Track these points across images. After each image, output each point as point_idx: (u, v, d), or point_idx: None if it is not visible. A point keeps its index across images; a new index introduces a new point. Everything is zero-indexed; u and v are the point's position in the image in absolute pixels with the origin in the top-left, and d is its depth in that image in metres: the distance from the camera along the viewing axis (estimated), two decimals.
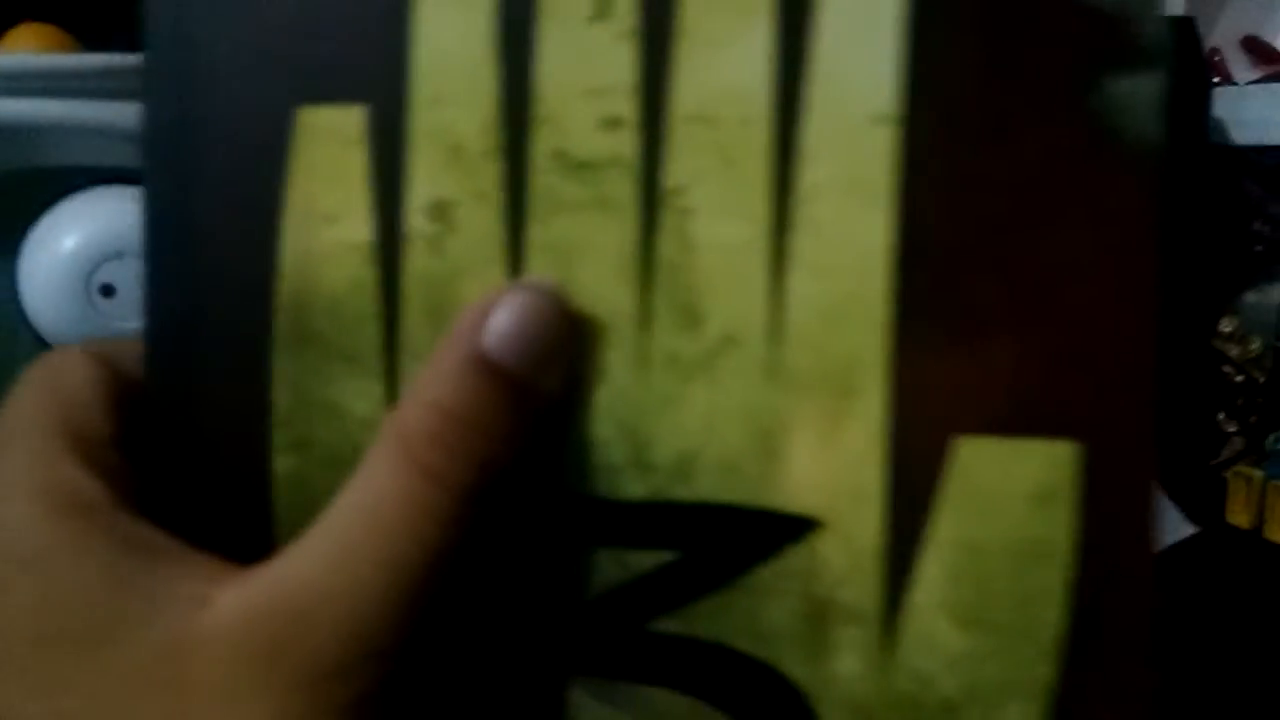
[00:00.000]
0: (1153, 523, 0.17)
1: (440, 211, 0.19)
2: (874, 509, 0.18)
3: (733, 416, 0.18)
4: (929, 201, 0.18)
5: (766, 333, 0.18)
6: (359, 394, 0.18)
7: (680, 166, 0.18)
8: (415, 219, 0.18)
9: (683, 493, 0.18)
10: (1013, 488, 0.18)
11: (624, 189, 0.18)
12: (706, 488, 0.18)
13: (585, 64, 0.19)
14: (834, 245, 0.18)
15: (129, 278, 0.34)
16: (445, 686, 0.18)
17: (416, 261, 0.18)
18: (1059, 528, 0.18)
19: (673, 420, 0.19)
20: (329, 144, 0.18)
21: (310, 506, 0.18)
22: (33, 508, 0.16)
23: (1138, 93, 0.17)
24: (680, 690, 0.19)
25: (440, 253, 0.19)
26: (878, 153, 0.18)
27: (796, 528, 0.18)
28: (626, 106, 0.18)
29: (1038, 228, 0.18)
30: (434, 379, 0.17)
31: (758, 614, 0.18)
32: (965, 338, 0.18)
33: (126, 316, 0.34)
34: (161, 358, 0.18)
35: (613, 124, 0.18)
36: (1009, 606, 0.18)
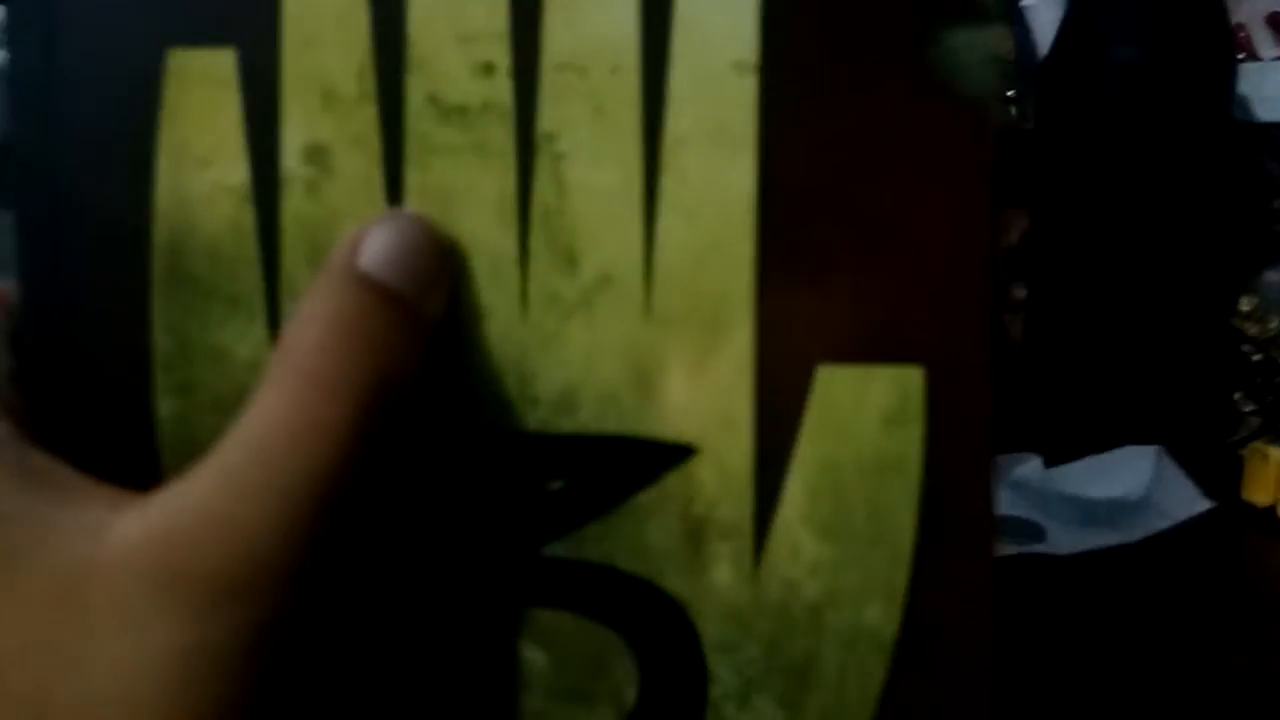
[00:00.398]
0: (991, 439, 0.19)
1: (316, 155, 0.19)
2: (744, 434, 0.19)
3: (611, 352, 0.19)
4: (787, 147, 0.19)
5: (640, 272, 0.19)
6: (241, 336, 0.18)
7: (553, 113, 0.19)
8: (291, 161, 0.19)
9: (567, 424, 0.19)
10: (867, 410, 0.20)
11: (499, 134, 0.19)
12: (589, 419, 0.19)
13: (457, 10, 0.19)
14: (701, 189, 0.19)
15: None
16: (343, 612, 0.18)
17: (294, 204, 0.19)
18: (909, 446, 0.20)
19: (555, 356, 0.19)
20: (200, 87, 0.18)
21: (196, 449, 0.18)
22: None
23: (973, 46, 0.19)
24: (571, 610, 0.20)
25: (318, 196, 0.19)
26: (741, 100, 0.19)
27: (674, 454, 0.20)
28: (499, 53, 0.19)
29: (881, 171, 0.19)
30: (316, 298, 0.17)
31: (640, 535, 0.20)
32: (821, 274, 0.19)
33: None
34: (38, 306, 0.18)
35: (486, 69, 0.19)
36: (865, 518, 0.20)
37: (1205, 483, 0.48)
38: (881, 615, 0.20)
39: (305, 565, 0.16)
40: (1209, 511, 0.47)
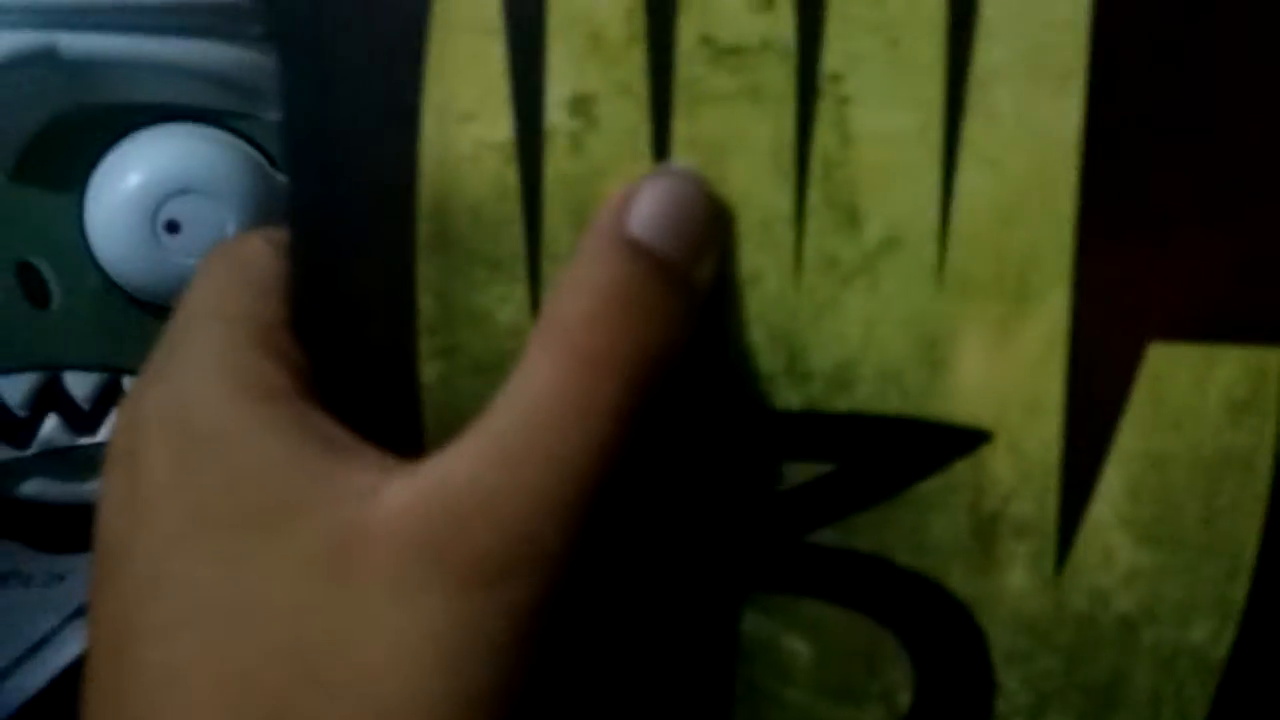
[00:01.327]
0: None
1: (581, 106, 0.17)
2: (1052, 420, 0.17)
3: (895, 323, 0.17)
4: (1126, 81, 0.16)
5: (934, 232, 0.17)
6: (503, 299, 0.18)
7: (841, 49, 0.17)
8: (556, 114, 0.17)
9: (841, 403, 0.18)
10: (1209, 397, 0.16)
11: (778, 76, 0.17)
12: (866, 397, 0.17)
13: None
14: (1013, 133, 0.16)
15: (194, 214, 0.33)
16: (609, 596, 0.18)
17: (558, 160, 0.17)
18: (1259, 440, 0.16)
19: (831, 327, 0.17)
20: (466, 35, 0.17)
21: (458, 414, 0.17)
22: (219, 390, 0.16)
23: None
24: (839, 603, 0.18)
25: (582, 151, 0.17)
26: (1069, 22, 0.16)
27: (965, 440, 0.17)
28: None
29: (1243, 114, 0.16)
30: (585, 264, 0.16)
31: (921, 528, 0.18)
32: (1158, 236, 0.16)
33: (192, 252, 0.33)
34: (306, 267, 0.18)
35: (765, 3, 0.17)
36: (1198, 522, 0.17)
37: None
38: (1210, 634, 0.17)
39: (576, 546, 0.15)
40: None
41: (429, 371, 0.18)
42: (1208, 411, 0.17)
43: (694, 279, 0.16)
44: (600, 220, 0.16)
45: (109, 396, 0.36)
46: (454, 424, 0.17)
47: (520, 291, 0.18)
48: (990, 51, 0.16)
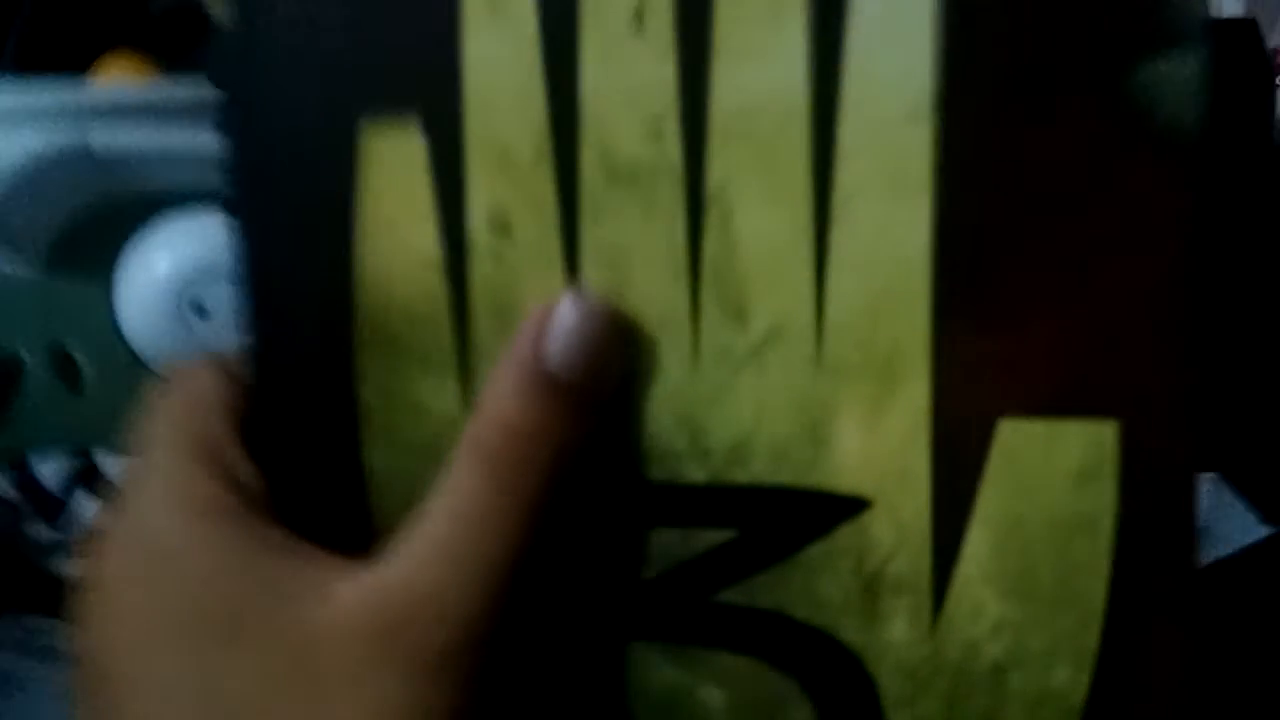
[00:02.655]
0: (1193, 497, 0.18)
1: (499, 221, 0.20)
2: (921, 488, 0.19)
3: (782, 404, 0.19)
4: (968, 192, 0.18)
5: (811, 325, 0.19)
6: (437, 392, 0.20)
7: (722, 167, 0.19)
8: (477, 230, 0.20)
9: (739, 476, 0.20)
10: (1055, 466, 0.18)
11: (669, 193, 0.19)
12: (761, 471, 0.20)
13: (626, 68, 0.19)
14: (874, 240, 0.19)
15: (221, 297, 0.35)
16: (531, 660, 0.20)
17: (481, 270, 0.20)
18: (1101, 504, 0.18)
19: (726, 409, 0.20)
20: (393, 163, 0.20)
21: (403, 494, 0.20)
22: (172, 514, 0.19)
23: (1175, 75, 0.17)
24: (746, 654, 0.20)
25: (502, 261, 0.20)
26: (916, 148, 0.18)
27: (847, 507, 0.19)
28: (668, 113, 0.19)
29: (1073, 211, 0.18)
30: (501, 396, 0.19)
31: (813, 586, 0.20)
32: (1004, 324, 0.18)
33: (219, 335, 0.35)
34: (262, 369, 0.21)
35: (655, 132, 0.19)
36: (1053, 579, 0.19)
37: (1265, 507, 0.42)
38: (1070, 679, 0.19)
39: (502, 628, 0.18)
40: (1269, 537, 0.41)
41: (375, 457, 0.20)
42: (1055, 480, 0.18)
43: (598, 399, 0.19)
44: (517, 351, 0.19)
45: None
46: (399, 504, 0.19)
47: (452, 385, 0.20)
48: (850, 168, 0.19)
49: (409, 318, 0.20)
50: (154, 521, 0.19)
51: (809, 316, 0.19)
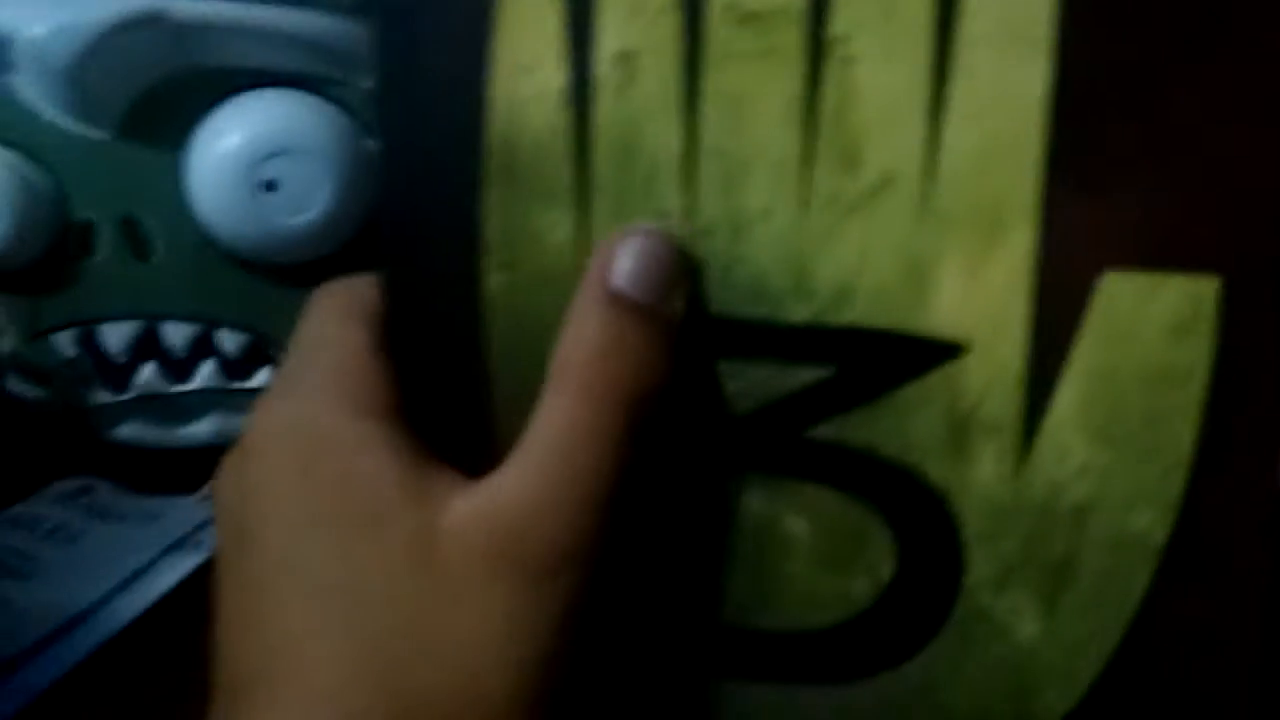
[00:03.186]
0: None
1: (625, 61, 0.21)
2: (1018, 335, 0.20)
3: (887, 250, 0.20)
4: (1085, 48, 0.19)
5: (921, 174, 0.20)
6: (555, 224, 0.21)
7: (845, 15, 0.20)
8: (603, 67, 0.21)
9: (840, 317, 0.21)
10: (1153, 318, 0.19)
11: (791, 39, 0.20)
12: (861, 313, 0.21)
13: None
14: (990, 91, 0.19)
15: (291, 174, 0.35)
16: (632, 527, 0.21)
17: (604, 106, 0.21)
18: (1196, 357, 0.19)
19: (832, 253, 0.21)
20: (530, 3, 0.20)
21: (517, 320, 0.21)
22: (333, 407, 0.21)
23: None
24: (834, 488, 0.21)
25: (625, 99, 0.21)
26: (1038, 2, 0.19)
27: (944, 351, 0.20)
28: None
29: (1184, 72, 0.19)
30: (581, 319, 0.20)
31: (903, 426, 0.21)
32: (1113, 178, 0.19)
33: (289, 211, 0.36)
34: (395, 195, 0.21)
35: None
36: (1142, 426, 0.20)
37: None
38: (1150, 522, 0.20)
39: (601, 545, 0.19)
40: None
41: (494, 281, 0.21)
42: (1152, 331, 0.19)
43: (668, 315, 0.20)
44: (589, 279, 0.20)
45: (203, 347, 0.39)
46: (513, 329, 0.20)
47: (569, 217, 0.21)
48: (972, 21, 0.19)
49: (535, 153, 0.21)
50: (314, 412, 0.21)
51: (920, 165, 0.20)
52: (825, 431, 0.21)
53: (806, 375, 0.21)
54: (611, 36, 0.21)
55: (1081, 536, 0.20)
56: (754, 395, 0.21)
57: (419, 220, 0.21)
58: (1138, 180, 0.19)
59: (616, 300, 0.20)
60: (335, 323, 0.22)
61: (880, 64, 0.20)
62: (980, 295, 0.20)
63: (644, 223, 0.21)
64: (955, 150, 0.20)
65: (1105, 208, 0.19)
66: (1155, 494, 0.20)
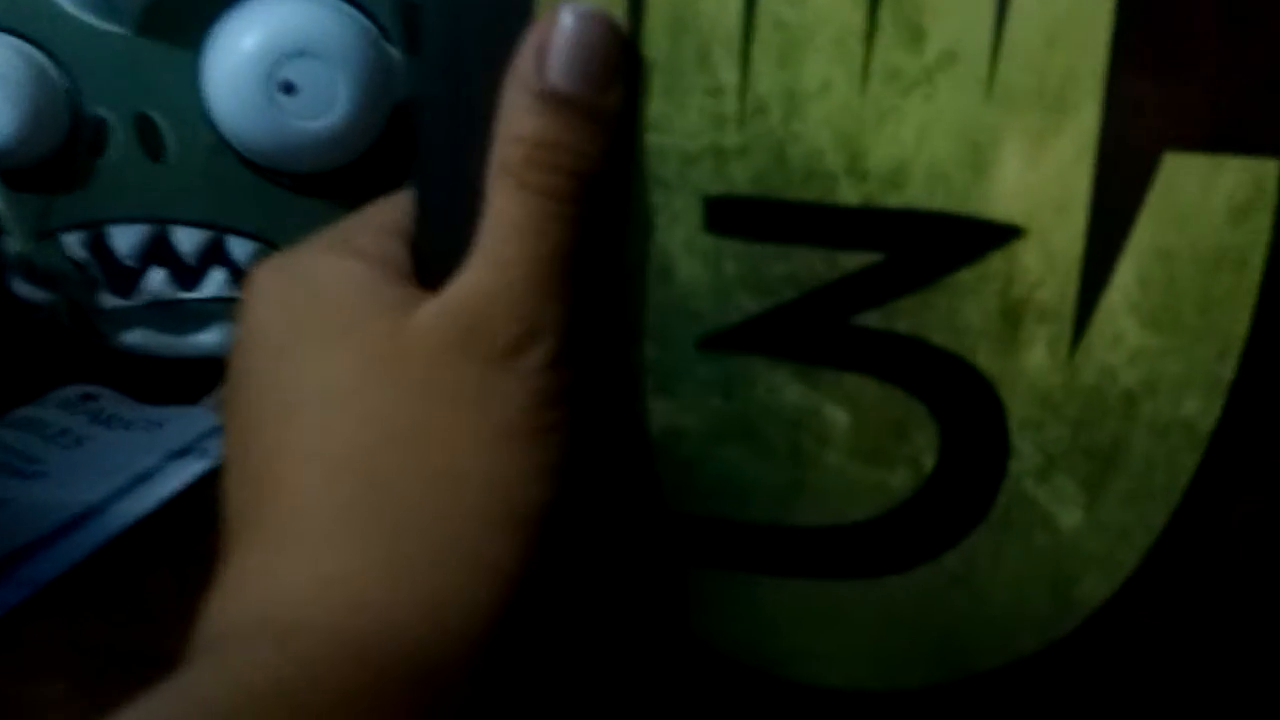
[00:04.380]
0: None
1: None
2: (1077, 218, 0.20)
3: (947, 129, 0.20)
4: None
5: (987, 51, 0.20)
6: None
7: None
8: None
9: (894, 200, 0.20)
10: (1213, 200, 0.19)
11: None
12: (916, 195, 0.20)
13: None
14: None
15: (309, 77, 0.35)
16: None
17: None
18: (1254, 239, 0.19)
19: (889, 132, 0.20)
20: None
21: None
22: (322, 254, 0.22)
23: None
24: (878, 377, 0.21)
25: None
26: None
27: (1000, 234, 0.20)
28: None
29: None
30: (513, 113, 0.20)
31: (955, 312, 0.20)
32: (1180, 59, 0.19)
33: (307, 114, 0.35)
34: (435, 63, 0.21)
35: None
36: (1196, 310, 0.19)
37: None
38: (1200, 407, 0.20)
39: (564, 316, 0.20)
40: None
41: None
42: (1212, 213, 0.19)
43: (604, 107, 0.20)
44: (520, 71, 0.20)
45: (214, 254, 0.38)
46: None
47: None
48: None
49: None
50: (307, 258, 0.22)
51: (986, 41, 0.20)
52: (872, 319, 0.21)
53: (856, 260, 0.21)
54: None
55: (1130, 423, 0.20)
56: (799, 281, 0.21)
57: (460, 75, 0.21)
58: (1206, 60, 0.19)
59: (550, 98, 0.20)
60: (360, 222, 0.23)
61: None
62: (1040, 177, 0.20)
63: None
64: (1022, 27, 0.19)
65: (1171, 88, 0.19)
66: (1206, 379, 0.19)
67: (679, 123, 0.21)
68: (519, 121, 0.20)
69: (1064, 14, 0.19)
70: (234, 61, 0.35)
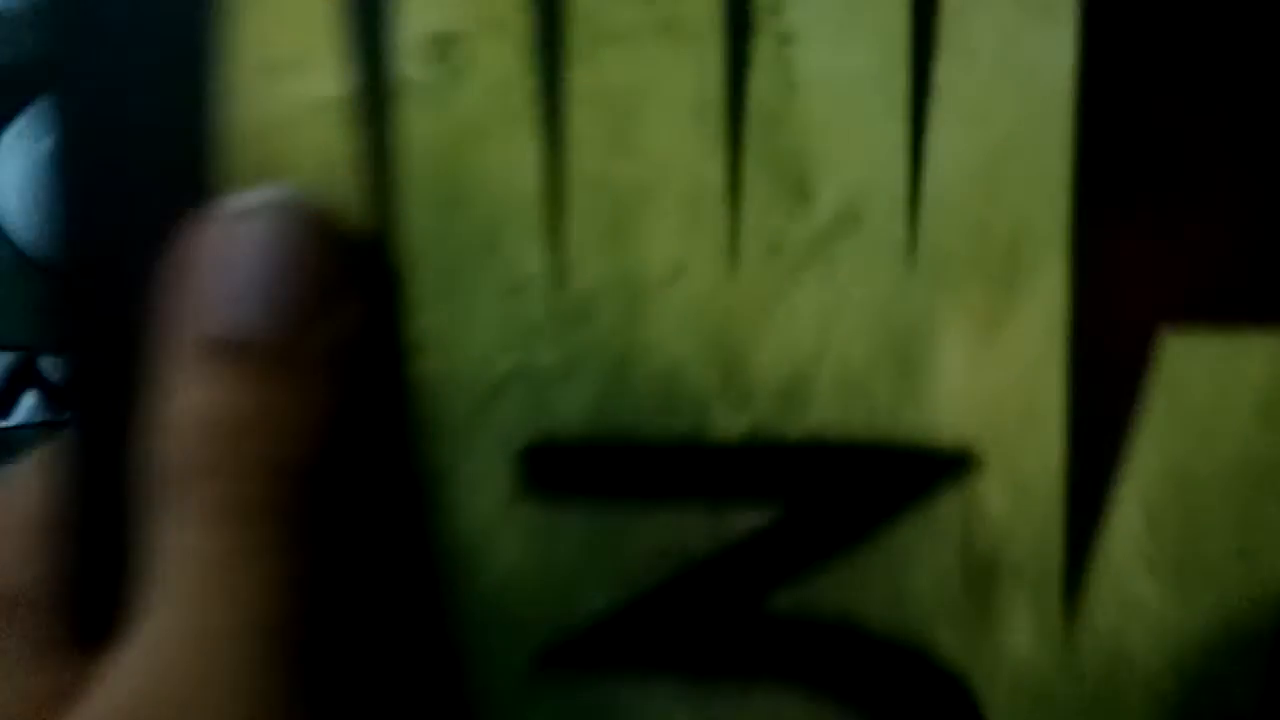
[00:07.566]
0: None
1: (444, 48, 0.13)
2: (1053, 434, 0.14)
3: (857, 319, 0.14)
4: (1125, 9, 0.13)
5: (903, 202, 0.13)
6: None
7: None
8: (410, 61, 0.13)
9: (793, 426, 0.14)
10: (1235, 396, 0.14)
11: (701, 7, 0.13)
12: (824, 418, 0.14)
13: None
14: (996, 75, 0.13)
15: None
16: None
17: (414, 120, 0.13)
18: None
19: (777, 330, 0.14)
20: None
21: None
22: None
23: None
24: (799, 685, 0.14)
25: (446, 107, 0.13)
26: None
27: (947, 465, 0.14)
28: None
29: (1267, 45, 0.13)
30: (182, 394, 0.13)
31: (899, 580, 0.14)
32: (1171, 198, 0.13)
33: None
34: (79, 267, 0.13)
35: None
36: (1232, 553, 0.14)
37: None
38: (1248, 700, 0.14)
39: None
40: None
41: None
42: (1236, 414, 0.14)
43: (314, 351, 0.13)
44: (176, 327, 0.13)
45: (22, 377, 0.34)
46: None
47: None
48: None
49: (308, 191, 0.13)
50: None
51: (900, 189, 0.13)
52: (781, 601, 0.14)
53: (748, 519, 0.14)
54: (419, 12, 0.13)
55: (1160, 717, 0.14)
56: (668, 556, 0.14)
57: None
58: (1206, 199, 0.13)
59: (221, 349, 0.12)
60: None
61: (836, 42, 0.13)
62: (996, 377, 0.14)
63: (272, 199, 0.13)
64: (949, 166, 0.13)
65: (1164, 239, 0.13)
66: (1246, 643, 0.14)
67: (464, 340, 0.14)
68: (186, 397, 0.12)
69: (1005, 143, 0.13)
70: (24, 172, 0.33)
